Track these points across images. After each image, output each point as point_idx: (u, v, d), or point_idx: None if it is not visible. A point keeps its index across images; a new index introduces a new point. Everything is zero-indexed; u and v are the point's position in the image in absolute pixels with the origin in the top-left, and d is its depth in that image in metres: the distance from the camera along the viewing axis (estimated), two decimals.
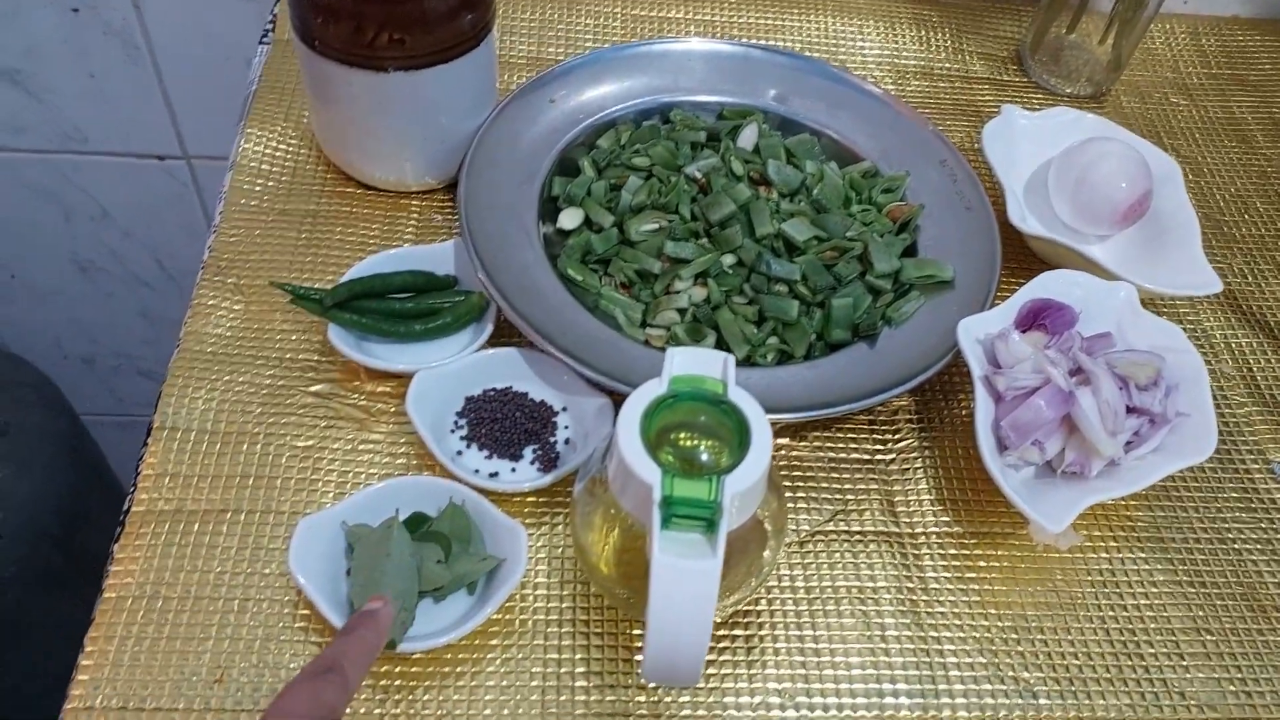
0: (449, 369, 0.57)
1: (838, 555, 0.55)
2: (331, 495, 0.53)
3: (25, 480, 0.96)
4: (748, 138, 0.69)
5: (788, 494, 0.57)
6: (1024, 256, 0.69)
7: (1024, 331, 0.59)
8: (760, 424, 0.45)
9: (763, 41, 0.81)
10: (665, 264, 0.63)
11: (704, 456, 0.46)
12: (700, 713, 0.49)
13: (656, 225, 0.64)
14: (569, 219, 0.66)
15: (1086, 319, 0.60)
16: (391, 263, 0.61)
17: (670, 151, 0.67)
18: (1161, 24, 0.88)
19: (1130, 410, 0.56)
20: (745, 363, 0.60)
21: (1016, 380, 0.56)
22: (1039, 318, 0.59)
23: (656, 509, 0.42)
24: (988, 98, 0.80)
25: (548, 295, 0.60)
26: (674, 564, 0.42)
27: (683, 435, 0.47)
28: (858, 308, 0.61)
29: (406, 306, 0.60)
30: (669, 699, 0.49)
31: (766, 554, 0.49)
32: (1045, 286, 0.60)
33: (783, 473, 0.58)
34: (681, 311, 0.62)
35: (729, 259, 0.63)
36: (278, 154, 0.69)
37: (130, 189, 1.07)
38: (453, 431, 0.57)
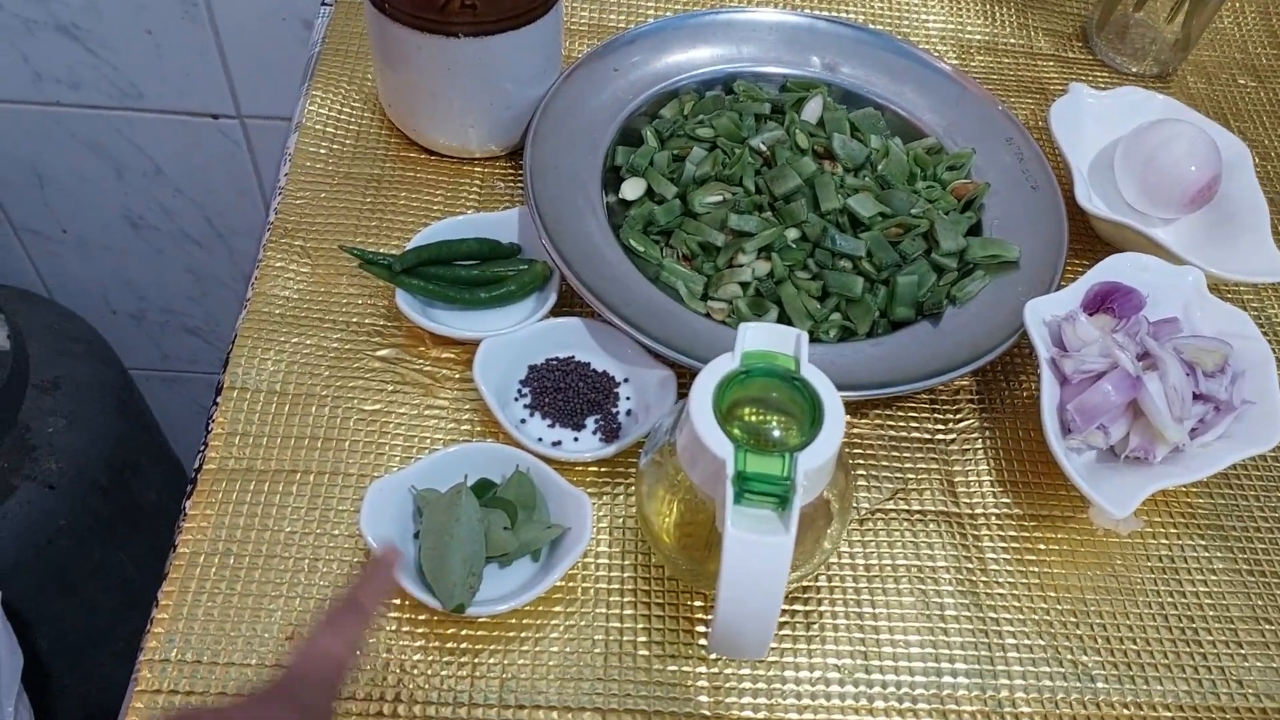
0: (513, 337, 0.58)
1: (897, 534, 0.55)
2: (399, 459, 0.54)
3: (76, 433, 0.97)
4: (812, 110, 0.69)
5: (854, 469, 0.57)
6: (1087, 238, 0.68)
7: (1091, 314, 0.58)
8: (833, 402, 0.46)
9: (828, 13, 0.80)
10: (728, 237, 0.63)
11: (775, 433, 0.46)
12: (760, 685, 0.49)
13: (720, 197, 0.64)
14: (631, 189, 0.65)
15: (1153, 303, 0.60)
16: (457, 229, 0.62)
17: (734, 123, 0.67)
18: (1230, 4, 0.86)
19: (1196, 397, 0.56)
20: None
21: (1084, 363, 0.55)
22: (1106, 301, 0.59)
23: (729, 484, 0.43)
24: (1052, 75, 0.79)
25: (611, 265, 0.60)
26: (747, 539, 0.42)
27: (751, 411, 0.47)
28: (922, 286, 0.61)
29: (472, 273, 0.60)
30: (729, 670, 0.50)
31: (831, 531, 0.50)
32: (1114, 269, 0.60)
33: (846, 451, 0.58)
34: (744, 285, 0.61)
35: (793, 233, 0.63)
36: (342, 117, 0.69)
37: (183, 147, 1.07)
38: (516, 399, 0.57)
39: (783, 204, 0.63)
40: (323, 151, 0.67)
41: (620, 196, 0.66)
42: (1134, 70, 0.80)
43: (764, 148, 0.66)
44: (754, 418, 0.47)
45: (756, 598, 0.42)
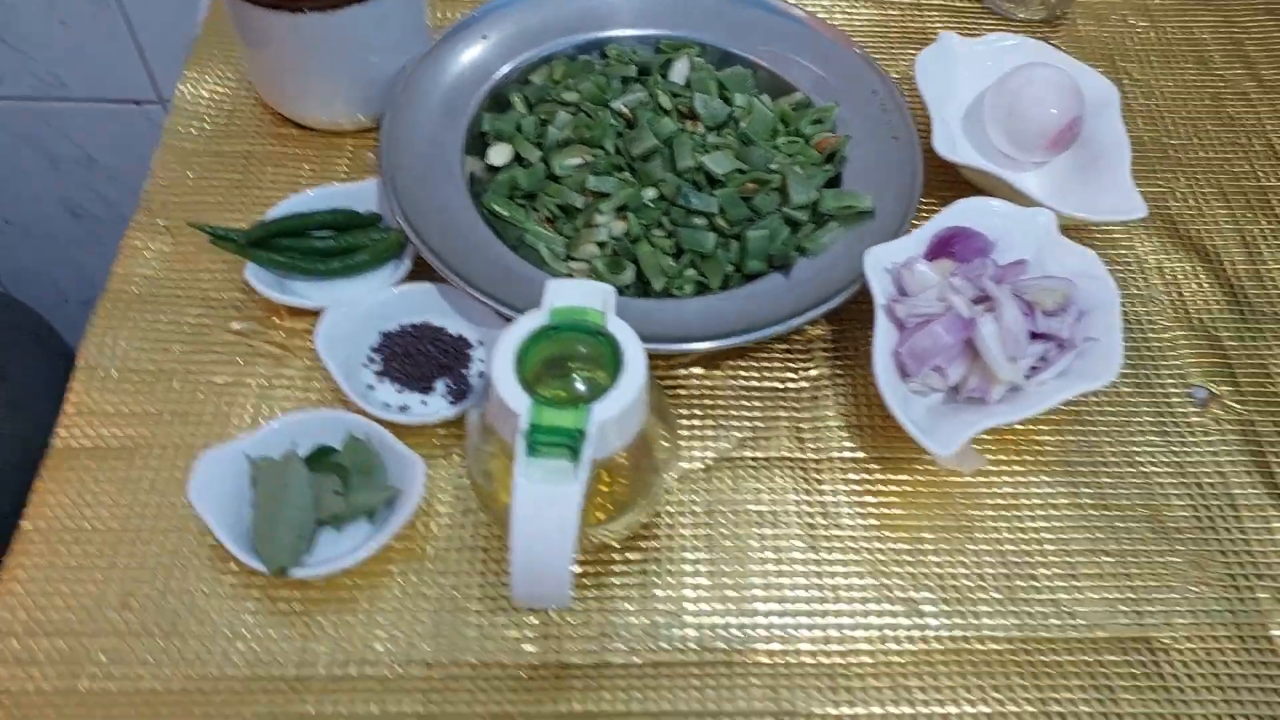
0: (363, 305, 0.59)
1: (743, 481, 0.56)
2: (247, 430, 0.55)
3: (16, 422, 1.00)
4: (679, 71, 0.69)
5: (699, 422, 0.58)
6: (961, 187, 0.68)
7: (933, 260, 0.59)
8: (634, 354, 0.47)
9: None
10: (589, 199, 0.63)
11: (580, 386, 0.47)
12: (589, 631, 0.51)
13: (581, 160, 0.64)
14: (498, 155, 0.66)
15: (1006, 246, 0.60)
16: (315, 201, 0.63)
17: (599, 86, 0.68)
18: None
19: (1036, 336, 0.56)
20: (663, 294, 0.61)
21: (916, 307, 0.56)
22: (949, 246, 0.59)
23: (521, 437, 0.44)
24: (938, 25, 0.79)
25: (465, 230, 0.61)
26: (535, 489, 0.43)
27: (577, 366, 0.48)
28: (774, 239, 0.62)
29: (326, 244, 0.61)
30: (559, 620, 0.51)
31: (655, 478, 0.51)
32: (961, 214, 0.60)
33: (695, 401, 0.59)
34: (601, 245, 0.62)
35: (650, 193, 0.63)
36: (215, 97, 0.70)
37: (112, 134, 1.09)
38: (365, 366, 0.58)
39: (641, 164, 0.64)
40: (194, 131, 0.68)
41: (487, 162, 0.66)
42: (1022, 16, 0.80)
43: (626, 109, 0.66)
44: (578, 373, 0.48)
45: (548, 547, 0.43)
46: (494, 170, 0.66)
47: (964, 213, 0.60)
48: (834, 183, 0.65)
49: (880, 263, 0.58)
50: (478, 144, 0.67)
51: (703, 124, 0.66)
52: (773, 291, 0.60)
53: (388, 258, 0.62)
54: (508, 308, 0.56)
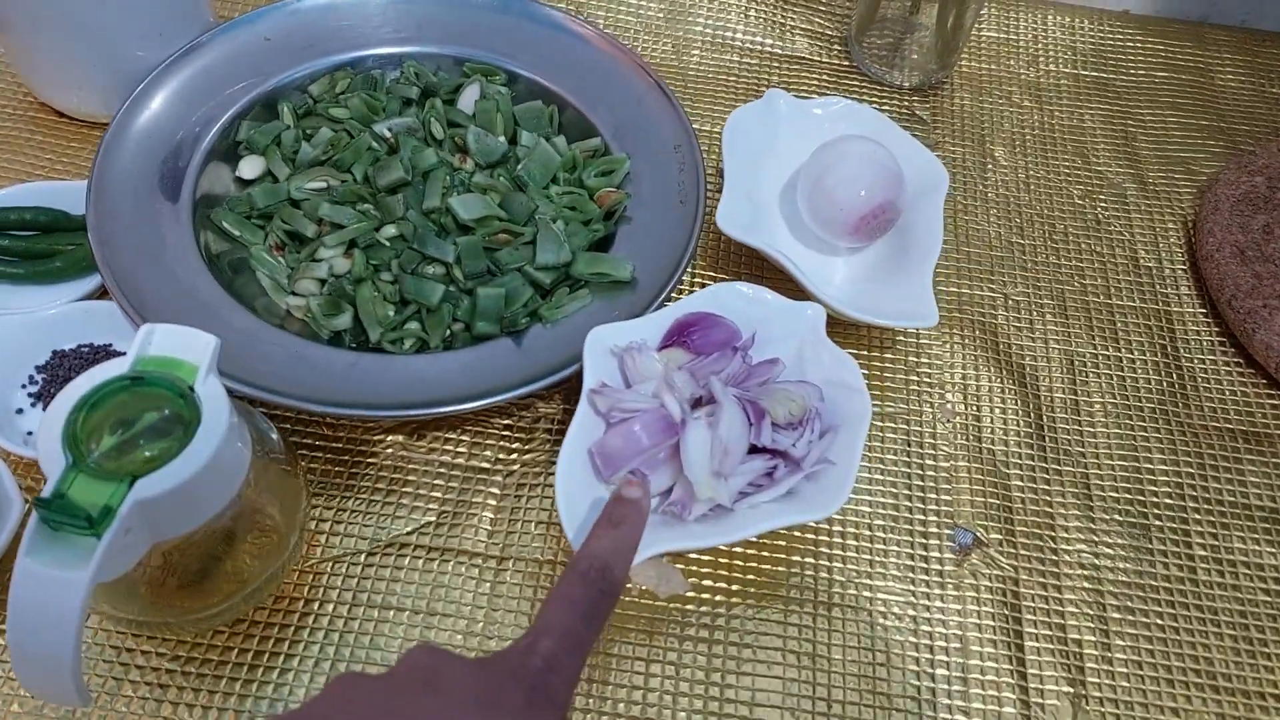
0: (31, 318, 0.53)
1: (408, 570, 0.49)
2: None
3: None
4: (467, 99, 0.63)
5: (381, 497, 0.51)
6: (760, 266, 0.61)
7: (667, 347, 0.52)
8: (216, 424, 0.40)
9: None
10: (326, 229, 0.57)
11: (148, 454, 0.41)
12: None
13: (324, 184, 0.58)
14: (249, 168, 0.60)
15: (768, 340, 0.53)
16: (24, 197, 0.57)
17: (369, 105, 0.61)
18: (1036, 11, 0.78)
19: (760, 450, 0.49)
20: (375, 348, 0.54)
21: (621, 401, 0.49)
22: (686, 333, 0.52)
23: (36, 505, 0.37)
24: (800, 81, 0.72)
25: (169, 251, 0.54)
26: (35, 570, 0.36)
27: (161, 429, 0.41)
28: (512, 300, 0.55)
29: (17, 245, 0.55)
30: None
31: (266, 563, 0.44)
32: (714, 299, 0.53)
33: (384, 474, 0.52)
34: (323, 281, 0.56)
35: (390, 230, 0.57)
36: None
37: None
38: (24, 386, 0.52)
39: (385, 197, 0.57)
40: None
41: (237, 174, 0.60)
42: (894, 81, 0.72)
43: (389, 134, 0.60)
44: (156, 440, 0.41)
45: (47, 639, 0.37)
46: (246, 184, 0.60)
47: (717, 298, 0.53)
48: (606, 244, 0.58)
49: (604, 343, 0.51)
50: (234, 153, 0.61)
51: (472, 160, 0.60)
52: (499, 358, 0.53)
53: (87, 268, 0.55)
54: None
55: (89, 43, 0.59)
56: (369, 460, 0.52)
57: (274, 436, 0.46)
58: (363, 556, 0.49)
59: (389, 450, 0.53)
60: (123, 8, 0.58)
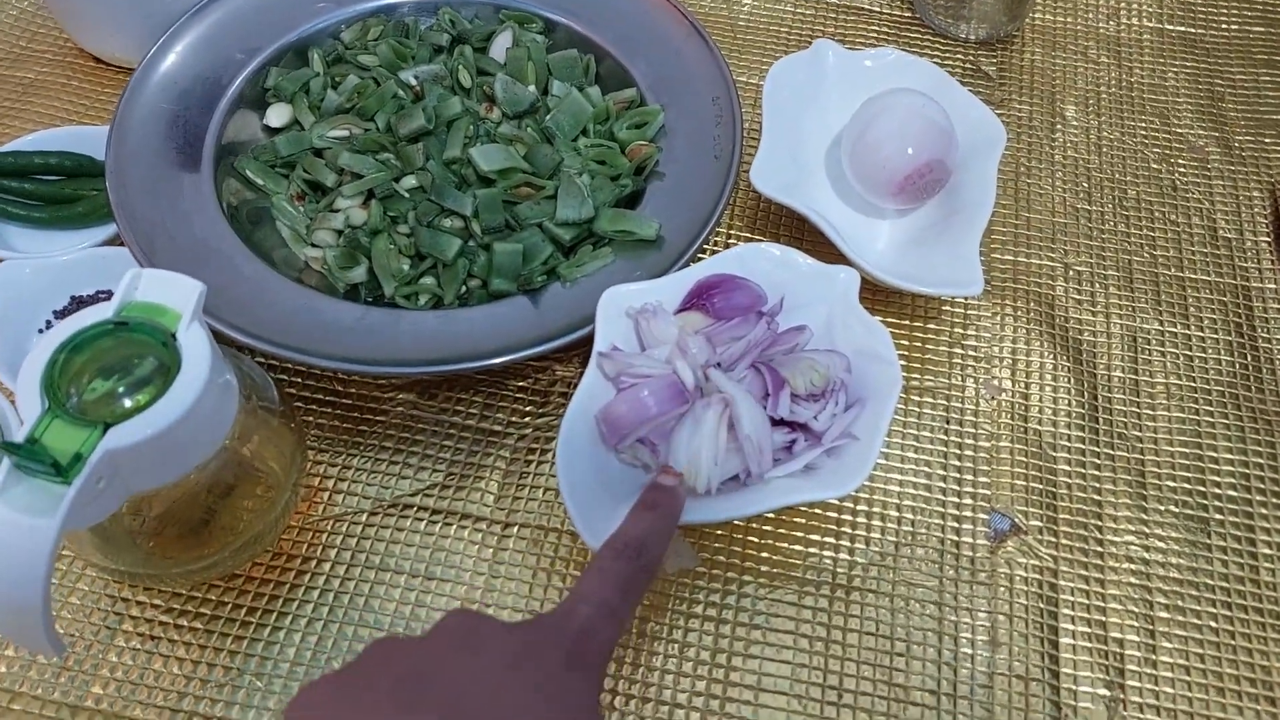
0: (51, 263, 0.52)
1: (409, 533, 0.48)
2: None
3: None
4: (499, 47, 0.60)
5: (388, 455, 0.50)
6: (799, 227, 0.58)
7: (685, 311, 0.49)
8: (196, 372, 0.38)
9: None
10: (347, 178, 0.55)
11: (127, 401, 0.40)
12: (117, 676, 0.43)
13: (346, 132, 0.57)
14: (276, 115, 0.59)
15: (796, 305, 0.50)
16: (51, 141, 0.57)
17: (398, 53, 0.59)
18: None
19: (780, 423, 0.46)
20: (389, 302, 0.52)
21: (631, 366, 0.46)
22: (707, 296, 0.49)
23: (6, 449, 0.36)
24: (859, 34, 0.68)
25: (187, 198, 0.53)
26: (4, 514, 0.36)
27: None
28: (531, 257, 0.52)
29: (44, 189, 0.55)
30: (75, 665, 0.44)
31: (252, 515, 0.43)
32: (741, 260, 0.50)
33: (392, 432, 0.50)
34: (340, 233, 0.54)
35: (410, 181, 0.55)
36: (20, 17, 0.65)
37: None
38: (41, 331, 0.52)
39: (406, 146, 0.56)
40: None
41: (264, 122, 0.59)
42: (960, 34, 0.68)
43: (415, 82, 0.58)
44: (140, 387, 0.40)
45: (15, 586, 0.36)
46: (274, 131, 0.59)
47: (743, 260, 0.50)
48: (635, 200, 0.56)
49: (619, 305, 0.48)
50: (264, 100, 0.59)
51: (499, 110, 0.57)
52: (514, 317, 0.51)
53: (109, 214, 0.55)
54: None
55: None
56: (378, 418, 0.51)
57: (269, 389, 0.45)
58: (364, 516, 0.48)
59: (399, 409, 0.51)
60: None
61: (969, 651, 0.45)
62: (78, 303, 0.53)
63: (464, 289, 0.53)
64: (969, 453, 0.51)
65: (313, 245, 0.55)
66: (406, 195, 0.54)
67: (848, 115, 0.58)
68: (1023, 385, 0.53)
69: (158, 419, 0.37)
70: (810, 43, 0.66)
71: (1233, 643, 0.45)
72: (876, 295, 0.55)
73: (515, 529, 0.48)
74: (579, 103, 0.58)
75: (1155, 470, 0.50)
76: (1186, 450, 0.51)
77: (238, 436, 0.41)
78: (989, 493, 0.49)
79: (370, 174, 0.54)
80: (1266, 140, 0.63)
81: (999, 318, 0.55)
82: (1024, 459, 0.50)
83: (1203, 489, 0.50)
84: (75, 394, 0.38)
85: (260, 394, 0.44)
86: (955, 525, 0.48)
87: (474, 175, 0.55)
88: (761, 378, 0.46)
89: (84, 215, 0.54)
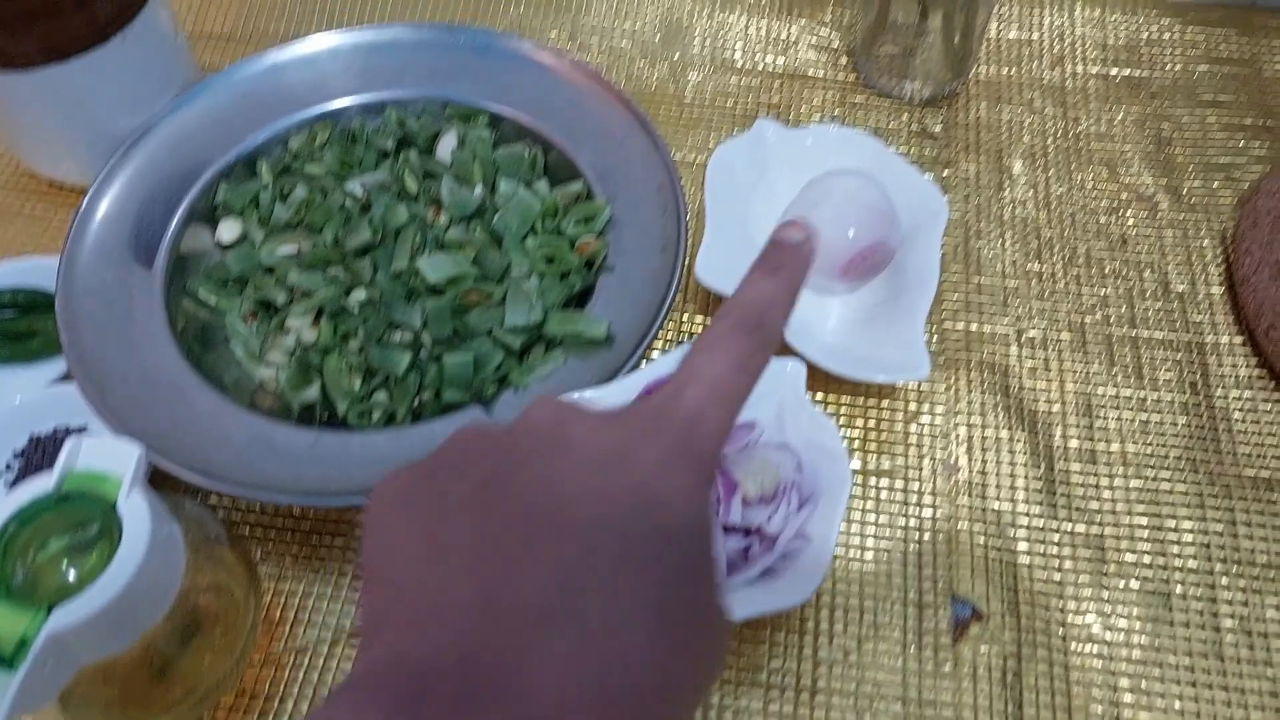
0: (5, 406, 0.53)
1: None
2: None
3: None
4: (446, 147, 0.61)
5: (354, 579, 0.50)
6: None
7: None
8: (136, 543, 0.39)
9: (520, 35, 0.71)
10: (298, 294, 0.56)
11: (71, 574, 0.40)
12: None
13: (295, 248, 0.57)
14: (227, 230, 0.59)
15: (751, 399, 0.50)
16: (8, 274, 0.57)
17: (344, 160, 0.60)
18: (1062, 5, 0.72)
19: (730, 529, 0.46)
20: (343, 421, 0.53)
21: None
22: None
23: None
24: (807, 99, 0.68)
25: (138, 328, 0.54)
26: None
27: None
28: (481, 366, 0.53)
29: (5, 323, 0.56)
30: None
31: (216, 670, 0.43)
32: (669, 358, 0.50)
33: (352, 556, 0.51)
34: (291, 353, 0.55)
35: (360, 295, 0.55)
36: None
37: None
38: (1, 475, 0.52)
39: (354, 260, 0.56)
40: None
41: (216, 238, 0.60)
42: (905, 95, 0.68)
43: (361, 192, 0.58)
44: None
45: None
46: (226, 248, 0.59)
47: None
48: (587, 295, 0.56)
49: None
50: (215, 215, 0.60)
51: (446, 214, 0.58)
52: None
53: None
54: (124, 429, 0.49)
55: (67, 111, 0.59)
56: (337, 540, 0.51)
57: (216, 529, 0.45)
58: (326, 647, 0.48)
59: (356, 530, 0.52)
60: (99, 75, 0.58)
61: None
62: (36, 442, 0.53)
63: (417, 402, 0.53)
64: (928, 536, 0.51)
65: (266, 364, 0.55)
66: (356, 310, 0.55)
67: (794, 191, 0.58)
68: (979, 461, 0.53)
69: (101, 593, 0.38)
70: (755, 113, 0.67)
71: None
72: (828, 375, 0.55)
73: None
74: (526, 201, 0.58)
75: (1115, 544, 0.50)
76: (1145, 521, 0.51)
77: (188, 588, 0.42)
78: (949, 576, 0.50)
79: (320, 291, 0.55)
80: (1215, 184, 0.63)
81: (953, 390, 0.55)
82: (983, 540, 0.51)
83: (1163, 561, 0.50)
84: (20, 569, 0.39)
85: (208, 536, 0.44)
86: (917, 614, 0.49)
87: (423, 285, 0.55)
88: (713, 484, 0.46)
89: (38, 351, 0.55)
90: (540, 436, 0.27)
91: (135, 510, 0.39)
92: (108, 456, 0.41)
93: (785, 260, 0.31)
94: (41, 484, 0.40)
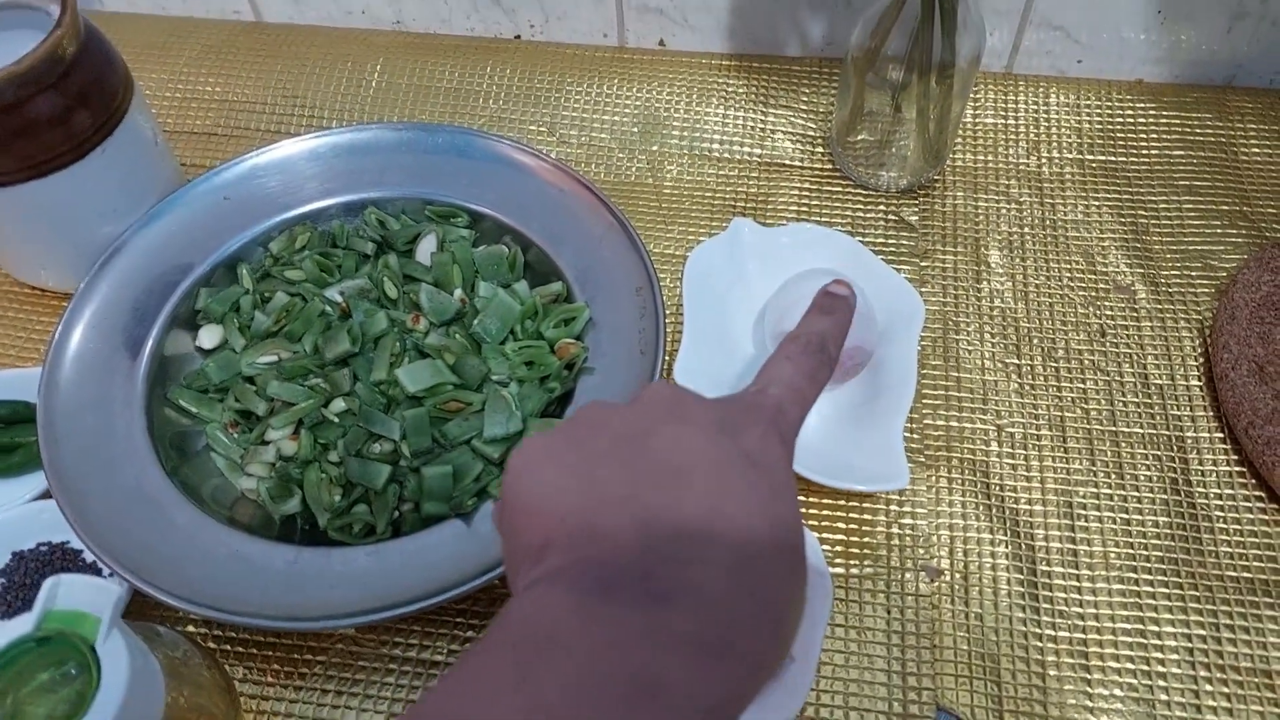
0: None
1: None
2: None
3: None
4: (425, 250, 0.61)
5: (336, 695, 0.50)
6: None
7: None
8: (115, 686, 0.39)
9: (498, 134, 0.71)
10: (278, 404, 0.56)
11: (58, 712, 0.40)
12: None
13: (275, 357, 0.57)
14: (208, 337, 0.60)
15: None
16: None
17: (323, 266, 0.60)
18: (1037, 89, 0.73)
19: None
20: (323, 533, 0.53)
21: None
22: None
23: None
24: (783, 190, 0.68)
25: (119, 444, 0.54)
26: None
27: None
28: (462, 476, 0.53)
29: None
30: None
31: None
32: None
33: (333, 674, 0.50)
34: (272, 465, 0.55)
35: (339, 404, 0.55)
36: None
37: None
38: None
39: (333, 370, 0.56)
40: None
41: (197, 345, 0.60)
42: (880, 185, 0.68)
43: (341, 299, 0.59)
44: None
45: None
46: (207, 353, 0.59)
47: None
48: (565, 401, 0.56)
49: None
50: (196, 320, 0.60)
51: (425, 320, 0.58)
52: (446, 545, 0.51)
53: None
54: (106, 557, 0.49)
55: (49, 223, 0.59)
56: (318, 658, 0.51)
57: (194, 657, 0.45)
58: None
59: (339, 645, 0.51)
60: (80, 188, 0.58)
61: None
62: (19, 558, 0.53)
63: (397, 514, 0.53)
64: (911, 643, 0.51)
65: (247, 475, 0.55)
66: (336, 420, 0.55)
67: (771, 290, 0.59)
68: (961, 565, 0.53)
69: None
70: (734, 207, 0.67)
71: None
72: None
73: None
74: (506, 304, 0.58)
75: (1099, 650, 0.50)
76: (1129, 625, 0.51)
77: (167, 717, 0.41)
78: (933, 686, 0.49)
79: (300, 402, 0.55)
80: (1193, 273, 0.63)
81: (934, 491, 0.55)
82: (966, 646, 0.50)
83: (1147, 667, 0.49)
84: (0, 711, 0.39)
85: (186, 660, 0.44)
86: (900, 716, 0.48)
87: (402, 395, 0.55)
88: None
89: (20, 465, 0.55)
90: (665, 406, 0.32)
91: (114, 650, 0.39)
92: (87, 595, 0.41)
93: (837, 306, 0.39)
94: (21, 626, 0.40)
